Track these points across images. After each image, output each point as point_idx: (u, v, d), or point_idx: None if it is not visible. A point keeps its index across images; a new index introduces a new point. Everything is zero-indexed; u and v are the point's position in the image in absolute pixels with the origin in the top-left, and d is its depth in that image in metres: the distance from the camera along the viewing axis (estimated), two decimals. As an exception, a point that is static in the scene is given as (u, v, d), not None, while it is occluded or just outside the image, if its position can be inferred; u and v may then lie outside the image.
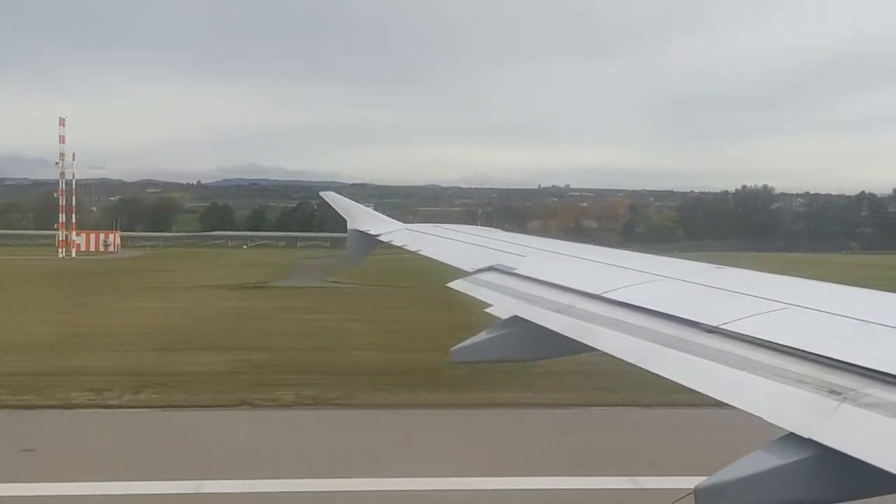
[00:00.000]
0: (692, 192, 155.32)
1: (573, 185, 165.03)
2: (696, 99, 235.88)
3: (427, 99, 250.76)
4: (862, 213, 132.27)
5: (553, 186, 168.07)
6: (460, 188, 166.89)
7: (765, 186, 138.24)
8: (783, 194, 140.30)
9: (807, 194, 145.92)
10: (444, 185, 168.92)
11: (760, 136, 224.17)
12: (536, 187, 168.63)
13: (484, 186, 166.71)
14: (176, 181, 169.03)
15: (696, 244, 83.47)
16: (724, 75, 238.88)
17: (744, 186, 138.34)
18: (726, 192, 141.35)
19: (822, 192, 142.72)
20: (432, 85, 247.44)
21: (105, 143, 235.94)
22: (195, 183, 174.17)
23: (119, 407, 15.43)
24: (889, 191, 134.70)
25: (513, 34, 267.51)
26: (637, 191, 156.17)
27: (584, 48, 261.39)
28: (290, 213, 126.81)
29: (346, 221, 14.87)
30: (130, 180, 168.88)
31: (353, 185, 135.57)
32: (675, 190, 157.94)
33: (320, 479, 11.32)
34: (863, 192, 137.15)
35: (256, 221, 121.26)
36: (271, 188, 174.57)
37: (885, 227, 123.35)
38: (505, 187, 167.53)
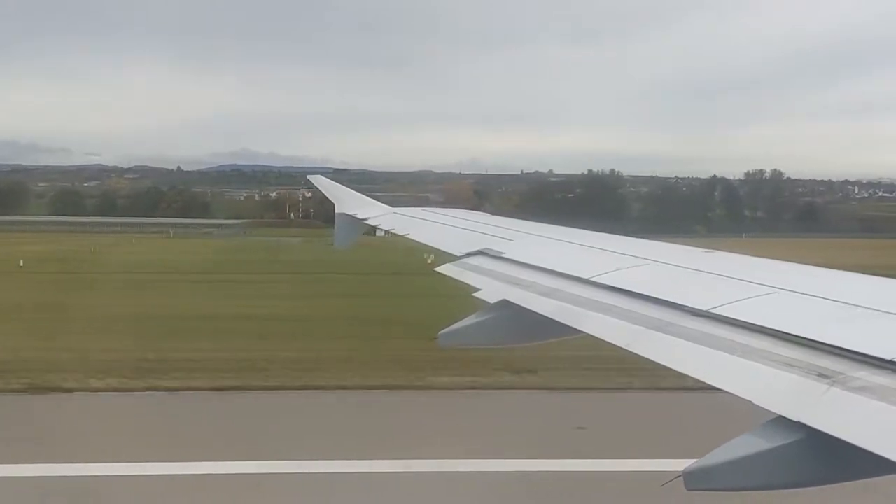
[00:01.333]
0: (675, 176, 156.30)
1: (556, 171, 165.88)
2: (684, 86, 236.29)
3: (426, 86, 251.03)
4: (714, 198, 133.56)
5: (535, 172, 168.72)
6: (454, 173, 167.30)
7: (612, 170, 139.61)
8: (633, 177, 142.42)
9: (655, 178, 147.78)
10: (438, 170, 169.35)
11: (741, 123, 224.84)
12: (519, 172, 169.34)
13: (471, 172, 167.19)
14: (162, 167, 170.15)
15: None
16: (711, 62, 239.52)
17: (589, 171, 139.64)
18: (572, 175, 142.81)
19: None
20: (431, 72, 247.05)
21: (107, 130, 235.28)
22: (175, 169, 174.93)
23: None
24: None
25: (513, 20, 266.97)
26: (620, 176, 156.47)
27: (580, 35, 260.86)
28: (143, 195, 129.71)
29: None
30: (125, 166, 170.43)
31: (335, 170, 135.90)
32: (656, 174, 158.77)
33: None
34: (714, 177, 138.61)
35: (106, 207, 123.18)
36: (251, 174, 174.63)
37: (735, 210, 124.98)
38: (488, 173, 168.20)
